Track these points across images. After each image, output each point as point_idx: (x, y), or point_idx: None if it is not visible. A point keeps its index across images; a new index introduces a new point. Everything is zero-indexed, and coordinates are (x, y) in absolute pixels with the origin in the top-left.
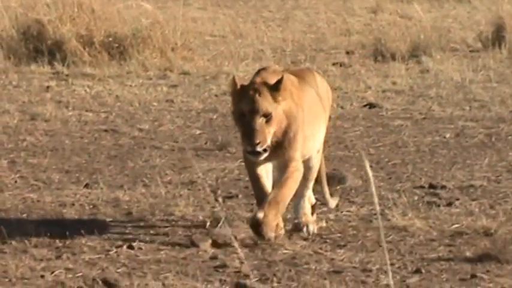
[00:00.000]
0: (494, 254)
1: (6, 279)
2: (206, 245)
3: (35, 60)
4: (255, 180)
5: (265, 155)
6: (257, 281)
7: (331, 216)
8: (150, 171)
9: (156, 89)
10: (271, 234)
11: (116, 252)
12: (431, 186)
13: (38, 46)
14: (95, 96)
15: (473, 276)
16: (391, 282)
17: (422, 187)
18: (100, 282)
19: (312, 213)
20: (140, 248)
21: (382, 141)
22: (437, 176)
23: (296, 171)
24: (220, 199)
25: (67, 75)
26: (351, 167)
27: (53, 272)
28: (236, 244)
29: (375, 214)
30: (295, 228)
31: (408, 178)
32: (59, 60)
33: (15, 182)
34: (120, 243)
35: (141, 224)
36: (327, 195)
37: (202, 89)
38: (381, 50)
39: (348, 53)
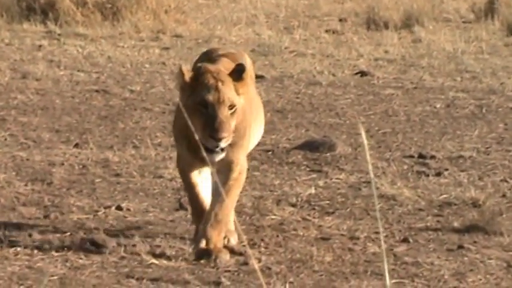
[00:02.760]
0: (482, 225)
1: None
2: None
3: (27, 19)
4: (191, 188)
5: (223, 155)
6: (244, 245)
7: (320, 183)
8: (140, 132)
9: (149, 51)
10: (224, 256)
11: (104, 213)
12: (420, 156)
13: (31, 4)
14: (86, 56)
15: (461, 246)
16: (379, 250)
17: (411, 156)
18: (88, 242)
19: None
20: (128, 210)
21: (373, 109)
22: (427, 145)
23: (240, 174)
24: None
25: (59, 35)
26: (341, 134)
27: (40, 231)
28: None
29: (364, 182)
30: None
31: (398, 147)
32: (52, 20)
33: (5, 139)
34: (108, 204)
35: (130, 185)
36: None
37: (194, 52)
38: (374, 19)
39: (340, 20)
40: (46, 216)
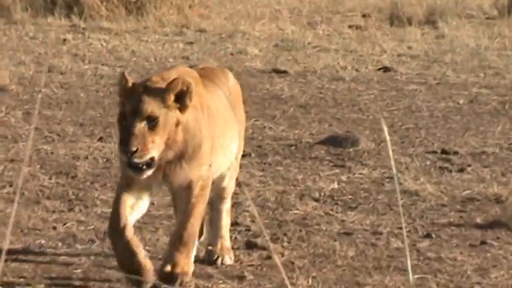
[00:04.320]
0: (505, 221)
1: (19, 230)
2: None
3: (52, 13)
4: (117, 205)
5: (149, 172)
6: (267, 240)
7: (343, 178)
8: None
9: (172, 45)
10: (188, 279)
11: None
12: (443, 151)
13: None
14: (111, 50)
15: (483, 242)
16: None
17: (434, 152)
18: None
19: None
20: (152, 203)
21: (396, 105)
22: (450, 141)
23: (203, 189)
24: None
25: (84, 29)
26: (364, 130)
27: (64, 224)
28: (248, 203)
29: (387, 177)
30: (208, 257)
31: (421, 143)
32: (76, 14)
33: (30, 133)
34: None
35: None
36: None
37: (217, 47)
38: (398, 14)
39: (364, 16)
40: (70, 210)
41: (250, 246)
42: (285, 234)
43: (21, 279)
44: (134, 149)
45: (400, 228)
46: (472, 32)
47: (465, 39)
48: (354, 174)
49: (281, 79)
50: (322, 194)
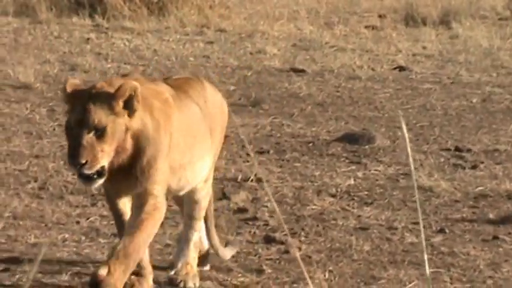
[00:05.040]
0: None
1: (43, 224)
2: (237, 198)
3: (76, 13)
4: (117, 217)
5: (100, 181)
6: (285, 234)
7: (360, 174)
8: None
9: (193, 44)
10: None
11: None
12: (457, 149)
13: None
14: (133, 49)
15: (495, 237)
16: (418, 240)
17: (448, 149)
18: None
19: (201, 264)
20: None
21: (411, 103)
22: (463, 139)
23: (155, 210)
24: (252, 154)
25: (107, 28)
26: (380, 127)
27: (88, 219)
28: (267, 198)
29: (402, 174)
30: (170, 282)
31: (435, 140)
32: (100, 14)
33: (54, 129)
34: None
35: None
36: (215, 241)
37: (237, 46)
38: (413, 15)
39: (380, 16)
40: (93, 204)
41: (268, 240)
42: (302, 229)
43: (46, 273)
44: (83, 161)
45: (415, 223)
46: (485, 33)
47: (478, 40)
48: (369, 170)
49: (299, 78)
50: (339, 189)
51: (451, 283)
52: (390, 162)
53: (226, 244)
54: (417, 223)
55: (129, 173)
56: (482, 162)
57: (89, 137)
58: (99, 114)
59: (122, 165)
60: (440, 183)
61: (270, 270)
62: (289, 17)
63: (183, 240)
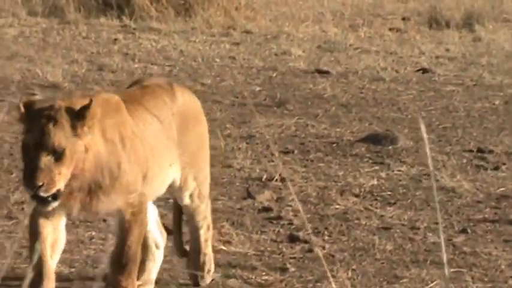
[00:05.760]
0: None
1: (70, 222)
2: (262, 197)
3: (104, 13)
4: (33, 234)
5: (55, 204)
6: (309, 233)
7: (383, 174)
8: (211, 124)
9: (219, 45)
10: None
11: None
12: (479, 150)
13: (108, 0)
14: (160, 50)
15: None
16: (440, 240)
17: (470, 151)
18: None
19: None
20: None
21: (434, 105)
22: (485, 140)
23: (135, 216)
24: (276, 153)
25: (134, 29)
26: (403, 129)
27: None
28: (291, 198)
29: (425, 174)
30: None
31: (458, 142)
32: (127, 15)
33: None
34: None
35: None
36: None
37: (263, 47)
38: (436, 18)
39: (404, 19)
40: None
41: (292, 239)
42: (326, 228)
43: (72, 269)
44: (40, 184)
45: (437, 223)
46: (508, 36)
47: (501, 42)
48: (392, 171)
49: (323, 79)
50: (362, 190)
51: (473, 283)
52: (413, 163)
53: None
54: (439, 223)
55: (96, 193)
56: (504, 164)
57: (46, 160)
58: (58, 136)
59: (84, 187)
60: (463, 184)
61: (293, 269)
62: (314, 19)
63: (193, 240)
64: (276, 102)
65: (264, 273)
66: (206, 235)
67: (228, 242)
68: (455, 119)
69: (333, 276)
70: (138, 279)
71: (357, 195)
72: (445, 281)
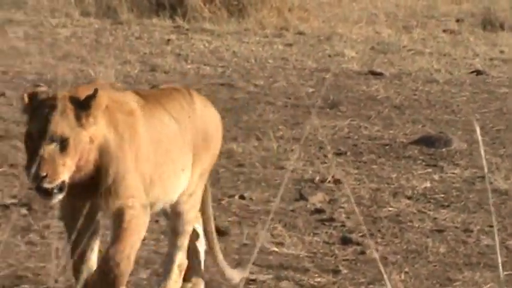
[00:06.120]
0: None
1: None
2: (314, 199)
3: (156, 14)
4: (70, 235)
5: (60, 196)
6: (362, 236)
7: (436, 177)
8: (263, 125)
9: (272, 46)
10: None
11: (227, 201)
12: None
13: (160, 0)
14: (213, 51)
15: None
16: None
17: None
18: None
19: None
20: (251, 199)
21: (488, 107)
22: None
23: (133, 219)
24: (329, 155)
25: (187, 30)
26: (457, 131)
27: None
28: (344, 199)
29: (478, 177)
30: None
31: None
32: (180, 15)
33: None
34: (232, 193)
35: (253, 175)
36: (221, 261)
37: (316, 48)
38: (490, 19)
39: (458, 20)
40: None
41: (345, 241)
42: (379, 231)
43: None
44: (44, 174)
45: (491, 226)
46: None
47: None
48: (446, 173)
49: (377, 81)
50: (415, 192)
51: None
52: (467, 165)
53: (236, 266)
54: (493, 226)
55: (97, 192)
56: None
57: (50, 149)
58: (62, 125)
59: (86, 183)
60: None
61: (346, 271)
62: (368, 20)
63: (166, 261)
64: (329, 104)
65: (316, 275)
66: (177, 277)
67: (280, 244)
68: (509, 121)
69: (386, 279)
70: (189, 280)
71: (409, 198)
72: (499, 284)
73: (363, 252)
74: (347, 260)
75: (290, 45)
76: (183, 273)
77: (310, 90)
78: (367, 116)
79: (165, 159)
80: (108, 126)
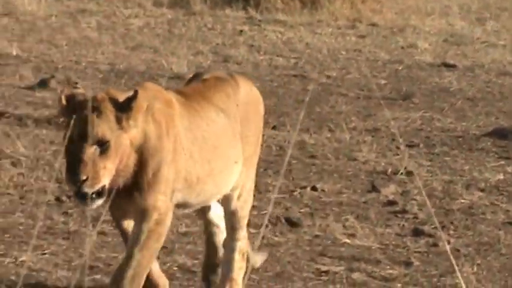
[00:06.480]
0: None
1: (194, 214)
2: (387, 190)
3: (229, 5)
4: (124, 235)
5: (100, 202)
6: (434, 228)
7: (509, 169)
8: (336, 116)
9: (345, 38)
10: None
11: (299, 193)
12: None
13: None
14: (286, 42)
15: None
16: None
17: None
18: (283, 220)
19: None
20: (323, 190)
21: None
22: None
23: (158, 225)
24: (402, 147)
25: (260, 21)
26: None
27: None
28: (417, 191)
29: None
30: None
31: None
32: (253, 6)
33: None
34: (304, 184)
35: (325, 167)
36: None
37: (389, 40)
38: None
39: None
40: None
41: (417, 233)
42: (451, 223)
43: (195, 261)
44: (84, 178)
45: None
46: None
47: None
48: None
49: (450, 73)
50: (488, 184)
51: None
52: None
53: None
54: None
55: (131, 188)
56: None
57: (90, 152)
58: (103, 128)
59: (124, 183)
60: None
61: (418, 263)
62: (441, 12)
63: (226, 253)
64: (402, 96)
65: (388, 267)
66: (241, 264)
67: (352, 235)
68: None
69: (458, 271)
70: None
71: (482, 190)
72: None
73: (435, 245)
74: (419, 252)
75: (363, 36)
76: (245, 256)
77: (383, 82)
78: (440, 108)
79: (212, 156)
80: (146, 120)
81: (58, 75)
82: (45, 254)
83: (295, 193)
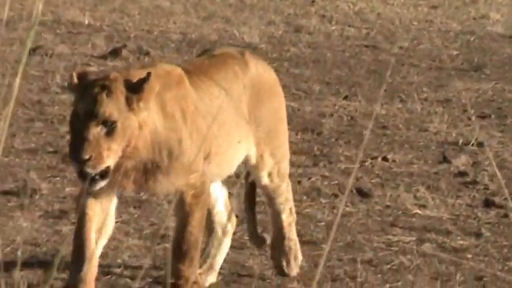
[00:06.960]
0: None
1: None
2: (458, 161)
3: None
4: (78, 227)
5: (103, 183)
6: (505, 199)
7: None
8: (407, 87)
9: (417, 8)
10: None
11: (370, 163)
12: None
13: None
14: (357, 12)
15: None
16: None
17: None
18: (354, 190)
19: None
20: (394, 161)
21: None
22: None
23: (197, 199)
24: (473, 118)
25: None
26: None
27: (309, 178)
28: (487, 162)
29: None
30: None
31: None
32: None
33: None
34: (375, 154)
35: (396, 137)
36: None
37: (461, 11)
38: None
39: None
40: (315, 165)
41: (488, 204)
42: None
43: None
44: (87, 157)
45: None
46: None
47: None
48: None
49: None
50: None
51: None
52: None
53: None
54: None
55: (154, 173)
56: None
57: (96, 132)
58: (111, 107)
59: (139, 166)
60: None
61: (488, 234)
62: None
63: (278, 239)
64: (473, 67)
65: (458, 238)
66: (289, 219)
67: (423, 206)
68: None
69: None
70: (200, 267)
71: None
72: None
73: (505, 216)
74: (489, 223)
75: (435, 7)
76: (292, 210)
77: (455, 52)
78: (511, 79)
79: (220, 132)
80: (156, 106)
81: (130, 44)
82: (116, 222)
83: (366, 163)
